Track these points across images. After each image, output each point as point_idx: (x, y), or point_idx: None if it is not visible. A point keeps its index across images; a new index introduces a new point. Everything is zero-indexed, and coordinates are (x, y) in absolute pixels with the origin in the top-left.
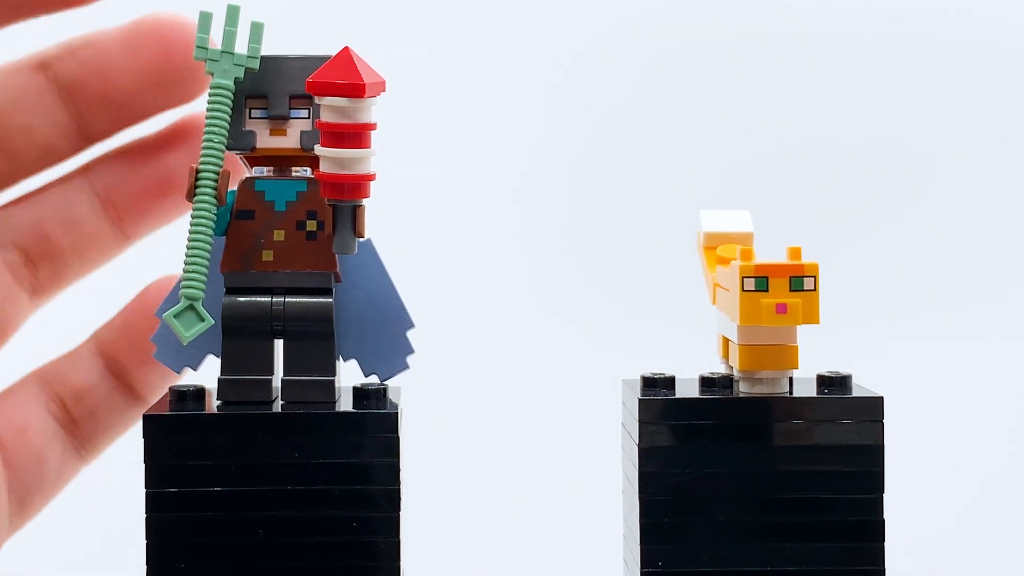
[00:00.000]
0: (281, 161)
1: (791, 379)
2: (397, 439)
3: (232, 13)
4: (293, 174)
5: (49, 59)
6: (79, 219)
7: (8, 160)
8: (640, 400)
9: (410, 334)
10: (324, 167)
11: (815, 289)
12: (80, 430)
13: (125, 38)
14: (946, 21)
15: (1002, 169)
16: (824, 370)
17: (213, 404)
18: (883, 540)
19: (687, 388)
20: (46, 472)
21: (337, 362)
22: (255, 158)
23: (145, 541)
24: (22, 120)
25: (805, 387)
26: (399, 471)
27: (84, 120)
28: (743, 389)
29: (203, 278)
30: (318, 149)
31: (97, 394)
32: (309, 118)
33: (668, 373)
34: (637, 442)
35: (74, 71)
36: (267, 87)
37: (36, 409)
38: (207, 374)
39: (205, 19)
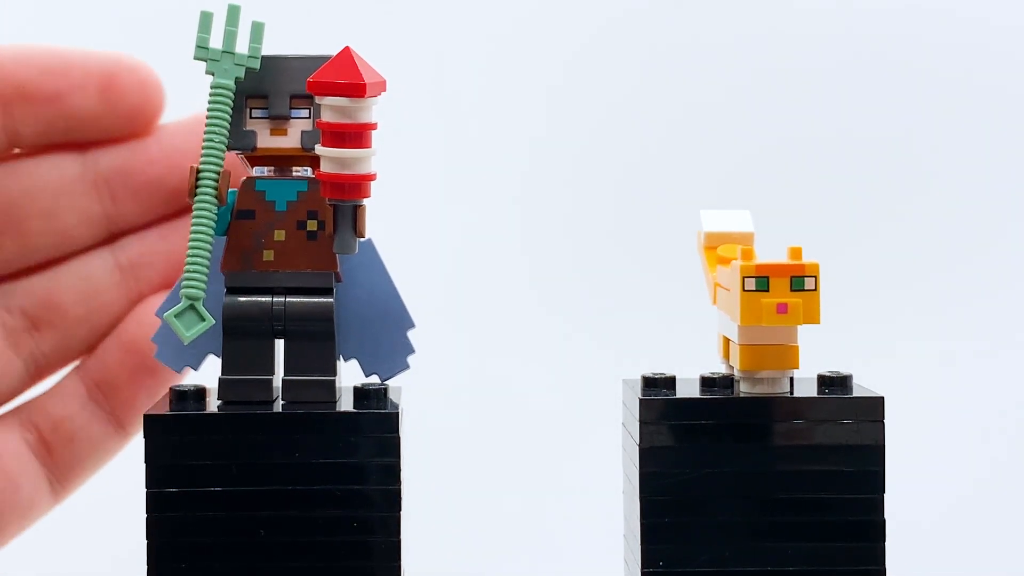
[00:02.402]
0: (282, 161)
1: (791, 379)
2: (397, 439)
3: (232, 13)
4: (294, 174)
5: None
6: (96, 290)
7: (20, 241)
8: (641, 400)
9: (410, 334)
10: (325, 167)
11: (816, 289)
12: (56, 460)
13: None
14: (949, 21)
15: (1003, 169)
16: (824, 370)
17: (213, 404)
18: (883, 540)
19: (688, 388)
20: (19, 499)
21: (338, 362)
22: (256, 158)
23: (145, 541)
24: (44, 205)
25: (805, 387)
26: (399, 471)
27: (115, 210)
28: (744, 389)
29: (204, 278)
30: (319, 149)
31: (76, 422)
32: (310, 118)
33: (669, 373)
34: (637, 442)
35: (124, 160)
36: (268, 87)
37: (11, 436)
38: (207, 374)
39: (206, 19)
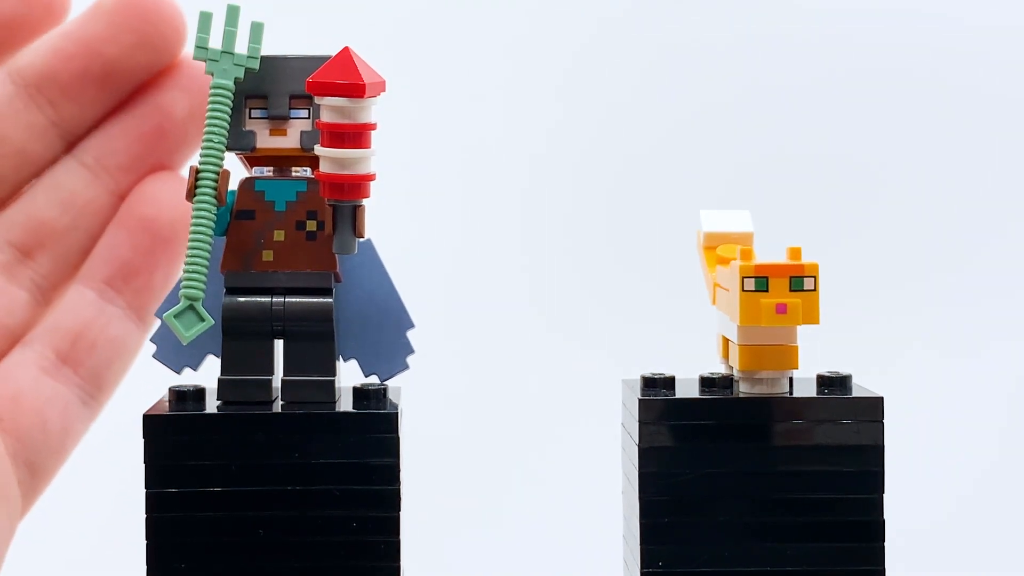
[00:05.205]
0: (281, 161)
1: (791, 379)
2: (397, 439)
3: (232, 13)
4: (293, 174)
5: (12, 64)
6: (73, 194)
7: None
8: (640, 400)
9: (410, 334)
10: (324, 167)
11: (815, 289)
12: (83, 372)
13: (98, 12)
14: (947, 25)
15: (1002, 170)
16: (824, 370)
17: (213, 404)
18: (883, 540)
19: (687, 388)
20: (50, 432)
21: (337, 362)
22: (255, 158)
23: (145, 541)
24: None
25: (805, 387)
26: (399, 471)
27: (57, 115)
28: (743, 389)
29: (203, 278)
30: (318, 149)
31: (95, 327)
32: (309, 118)
33: (668, 373)
34: (637, 442)
35: (43, 63)
36: (267, 87)
37: (28, 370)
38: (207, 374)
39: (205, 19)
